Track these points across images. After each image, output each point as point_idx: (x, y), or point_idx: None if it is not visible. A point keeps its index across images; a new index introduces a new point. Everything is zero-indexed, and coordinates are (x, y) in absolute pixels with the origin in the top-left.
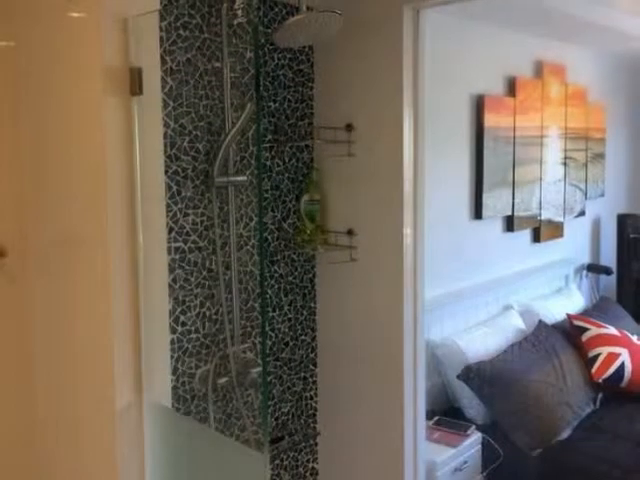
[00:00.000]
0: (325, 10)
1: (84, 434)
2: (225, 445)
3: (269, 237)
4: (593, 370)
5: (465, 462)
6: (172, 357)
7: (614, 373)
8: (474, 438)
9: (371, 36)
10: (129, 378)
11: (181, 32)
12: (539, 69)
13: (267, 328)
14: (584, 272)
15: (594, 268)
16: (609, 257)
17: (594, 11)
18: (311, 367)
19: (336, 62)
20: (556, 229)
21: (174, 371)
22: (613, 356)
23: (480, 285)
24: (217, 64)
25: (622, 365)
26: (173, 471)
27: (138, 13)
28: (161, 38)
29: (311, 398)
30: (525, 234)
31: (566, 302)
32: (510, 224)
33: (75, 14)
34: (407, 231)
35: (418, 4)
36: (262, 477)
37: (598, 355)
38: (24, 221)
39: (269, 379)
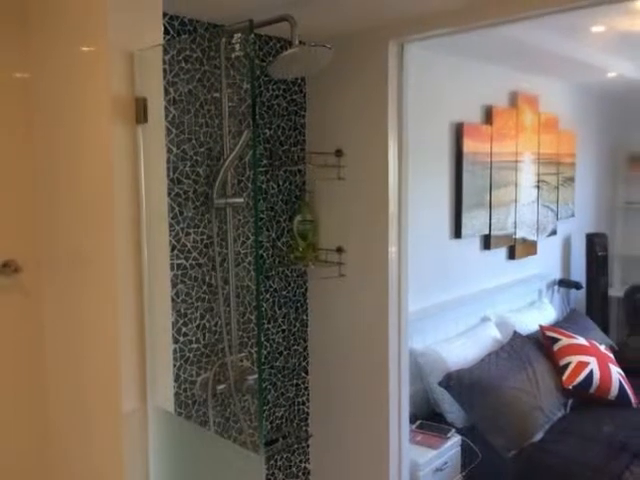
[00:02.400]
0: (317, 44)
1: (93, 437)
2: (223, 447)
3: (264, 254)
4: (564, 377)
5: (446, 463)
6: (175, 365)
7: (583, 380)
8: (454, 440)
9: (359, 68)
10: (134, 385)
11: (183, 65)
12: (514, 99)
13: (262, 339)
14: (556, 287)
15: (565, 283)
16: (579, 273)
17: (565, 46)
18: (303, 374)
19: (327, 92)
20: (530, 247)
21: (176, 378)
22: (582, 364)
23: (459, 299)
24: (216, 94)
25: (591, 373)
26: (175, 471)
27: (143, 47)
28: (165, 70)
29: (303, 403)
30: (501, 252)
31: (539, 314)
32: (487, 242)
33: (85, 48)
34: (392, 249)
35: (402, 39)
36: (258, 477)
37: (569, 364)
38: (38, 240)
39: (264, 386)
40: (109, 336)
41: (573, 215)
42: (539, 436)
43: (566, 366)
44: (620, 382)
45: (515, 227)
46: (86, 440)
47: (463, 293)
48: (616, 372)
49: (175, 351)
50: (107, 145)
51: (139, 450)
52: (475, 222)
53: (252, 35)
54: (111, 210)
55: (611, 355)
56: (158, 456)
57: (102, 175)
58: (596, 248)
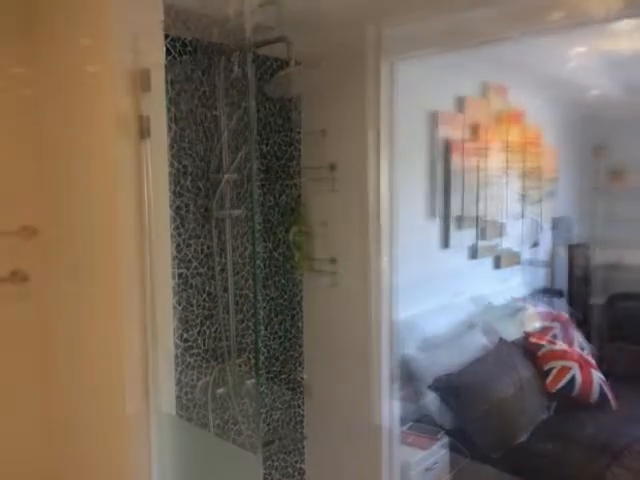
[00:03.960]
0: (310, 65)
1: (97, 438)
2: (223, 448)
3: (262, 264)
4: (547, 382)
5: (435, 462)
6: (176, 370)
7: (566, 384)
8: (443, 441)
9: (351, 86)
10: (138, 389)
11: (184, 84)
12: (500, 116)
13: (260, 344)
14: (539, 295)
15: (548, 291)
16: (561, 282)
17: (548, 63)
18: (299, 379)
19: (321, 109)
20: (514, 257)
21: (178, 382)
22: (565, 369)
23: (448, 306)
24: (215, 112)
25: (573, 377)
26: (177, 470)
27: (146, 67)
28: (167, 89)
29: (299, 406)
30: (487, 261)
31: (524, 322)
32: (474, 252)
33: (92, 68)
34: (384, 258)
35: (394, 57)
36: (256, 476)
37: (552, 368)
38: (46, 250)
39: (261, 389)
40: (114, 342)
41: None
42: (524, 437)
43: (550, 371)
44: (601, 386)
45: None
46: (91, 441)
47: (452, 300)
48: (597, 377)
49: (176, 356)
50: (112, 158)
51: (142, 450)
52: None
53: (250, 55)
54: (116, 220)
55: (592, 361)
56: (161, 456)
57: (107, 187)
58: (577, 258)
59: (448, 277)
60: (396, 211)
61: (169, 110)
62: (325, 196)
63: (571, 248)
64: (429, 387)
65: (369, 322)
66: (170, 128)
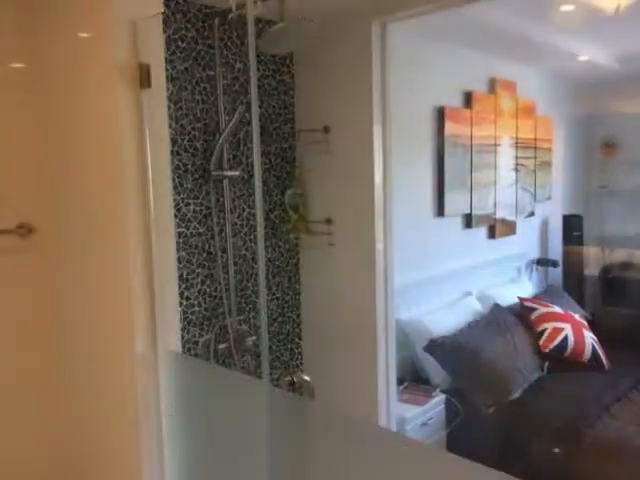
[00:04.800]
0: (304, 18)
1: (108, 378)
2: (230, 376)
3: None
4: (541, 342)
5: (431, 418)
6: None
7: (559, 344)
8: (438, 399)
9: (343, 48)
10: (146, 329)
11: (179, 43)
12: (493, 85)
13: (265, 294)
14: (534, 265)
15: (543, 262)
16: (556, 252)
17: (536, 29)
18: (297, 340)
19: (313, 72)
20: (509, 227)
21: (181, 338)
22: (558, 330)
23: (443, 274)
24: (211, 72)
25: (565, 337)
26: (186, 403)
27: (144, 16)
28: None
29: (297, 367)
30: (482, 231)
31: (518, 290)
32: (469, 221)
33: (90, 18)
34: (378, 219)
35: (385, 19)
36: (264, 401)
37: (545, 330)
38: (51, 202)
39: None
40: (122, 288)
41: (550, 198)
42: (517, 394)
43: (543, 332)
44: (593, 346)
45: (495, 207)
46: (101, 378)
47: (446, 269)
48: (590, 337)
49: (179, 314)
50: (114, 109)
51: (150, 385)
52: (457, 202)
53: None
54: (120, 170)
55: (585, 322)
56: (168, 392)
57: (110, 137)
58: (572, 228)
59: (443, 245)
60: (389, 171)
61: (165, 69)
62: (319, 158)
63: (565, 218)
64: (424, 349)
65: (365, 281)
66: (167, 88)
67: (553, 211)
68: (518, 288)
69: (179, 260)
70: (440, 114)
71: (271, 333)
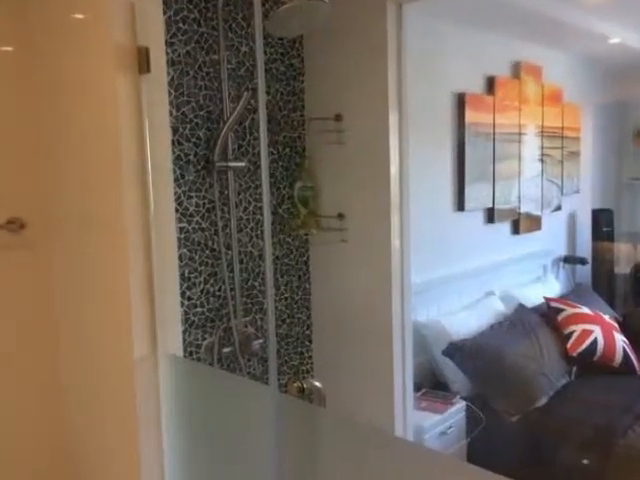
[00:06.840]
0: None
1: (106, 381)
2: (234, 381)
3: (270, 217)
4: (568, 345)
5: (450, 427)
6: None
7: (587, 347)
8: (458, 406)
9: (357, 31)
10: (145, 332)
11: (180, 25)
12: (517, 70)
13: (272, 294)
14: (561, 263)
15: (570, 259)
16: (584, 249)
17: (564, 11)
18: (307, 343)
19: (324, 56)
20: (534, 222)
21: (182, 341)
22: (587, 332)
23: (463, 273)
24: (214, 56)
25: (595, 340)
26: (186, 409)
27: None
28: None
29: (307, 372)
30: (505, 226)
31: (544, 289)
32: (491, 216)
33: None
34: (394, 214)
35: None
36: (271, 407)
37: (573, 332)
38: (44, 196)
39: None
40: (120, 287)
41: (578, 191)
42: (543, 401)
43: (570, 334)
44: (624, 349)
45: (519, 201)
46: (99, 383)
47: (467, 267)
48: (620, 340)
49: (180, 315)
50: (110, 96)
51: (150, 390)
52: (478, 195)
53: None
54: (118, 161)
55: (615, 324)
56: (169, 397)
57: (108, 125)
58: (602, 224)
59: (463, 241)
60: (406, 162)
61: (165, 53)
62: (331, 148)
63: (595, 213)
64: (443, 352)
65: (380, 280)
66: (167, 72)
67: (581, 205)
68: (544, 287)
69: (180, 257)
70: (460, 101)
71: (279, 336)
